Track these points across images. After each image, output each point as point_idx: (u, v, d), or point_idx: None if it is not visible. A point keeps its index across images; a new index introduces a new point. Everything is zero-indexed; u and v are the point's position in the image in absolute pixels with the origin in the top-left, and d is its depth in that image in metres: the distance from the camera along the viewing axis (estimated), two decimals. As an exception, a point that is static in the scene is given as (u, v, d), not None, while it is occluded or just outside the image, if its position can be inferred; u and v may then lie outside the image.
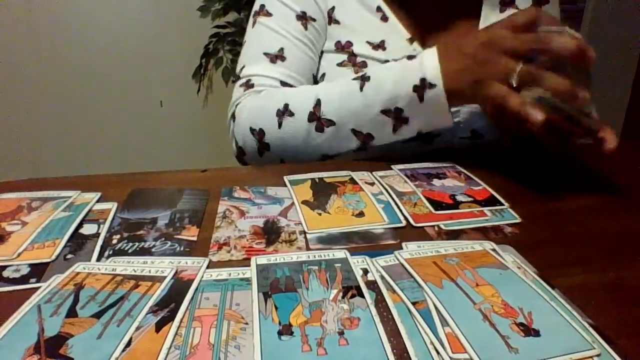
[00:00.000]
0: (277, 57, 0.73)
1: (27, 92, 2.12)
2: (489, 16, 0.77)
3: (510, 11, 0.77)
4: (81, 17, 2.06)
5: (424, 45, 0.75)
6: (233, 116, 0.73)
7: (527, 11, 0.56)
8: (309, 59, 0.74)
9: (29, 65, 2.08)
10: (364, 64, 0.72)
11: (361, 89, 0.62)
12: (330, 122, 0.64)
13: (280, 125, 0.67)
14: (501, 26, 0.55)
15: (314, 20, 0.74)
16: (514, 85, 0.52)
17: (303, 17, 0.74)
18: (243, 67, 0.76)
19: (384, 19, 0.74)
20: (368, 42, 0.73)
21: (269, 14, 0.75)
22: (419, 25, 0.76)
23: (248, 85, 0.74)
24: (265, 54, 0.73)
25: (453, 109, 0.72)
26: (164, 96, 2.23)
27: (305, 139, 0.66)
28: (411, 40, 0.73)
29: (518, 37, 0.53)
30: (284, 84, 0.73)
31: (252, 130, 0.70)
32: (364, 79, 0.63)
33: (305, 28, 0.74)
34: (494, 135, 0.76)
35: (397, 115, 0.61)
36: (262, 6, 0.76)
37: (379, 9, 0.74)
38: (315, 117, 0.65)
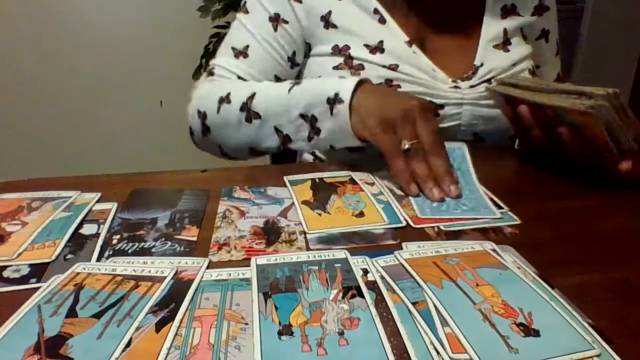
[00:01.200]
0: (240, 53, 0.76)
1: (27, 92, 2.12)
2: (491, 22, 0.77)
3: (511, 18, 0.77)
4: (81, 17, 2.06)
5: (423, 47, 0.74)
6: (190, 98, 0.78)
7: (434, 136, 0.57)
8: (272, 60, 0.77)
9: (28, 65, 2.08)
10: (360, 67, 0.72)
11: (289, 90, 0.65)
12: (257, 115, 0.67)
13: (218, 110, 0.71)
14: (428, 118, 0.57)
15: (286, 22, 0.75)
16: (404, 148, 0.56)
17: (275, 19, 0.75)
18: (214, 57, 0.80)
19: (382, 21, 0.74)
20: (366, 45, 0.73)
21: (246, 12, 0.78)
22: (418, 28, 0.75)
23: (210, 72, 0.78)
24: (233, 48, 0.77)
25: (454, 111, 0.73)
26: (164, 96, 2.23)
27: (235, 127, 0.70)
28: (410, 43, 0.73)
29: (429, 131, 0.56)
30: (240, 79, 0.76)
31: (198, 112, 0.74)
32: (297, 83, 0.67)
33: (275, 30, 0.76)
34: (495, 139, 0.76)
35: (312, 123, 0.64)
36: (244, 3, 0.79)
37: (376, 11, 0.74)
38: (246, 107, 0.68)
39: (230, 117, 0.70)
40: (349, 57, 0.73)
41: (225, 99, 0.70)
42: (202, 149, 0.80)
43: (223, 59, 0.78)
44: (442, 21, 0.76)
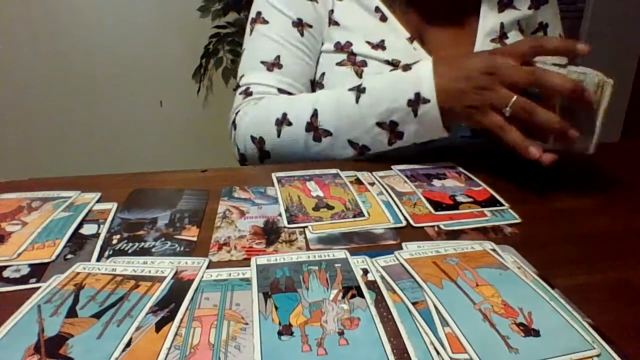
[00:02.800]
0: (273, 64, 0.74)
1: (27, 92, 2.12)
2: (488, 16, 0.77)
3: (508, 12, 0.78)
4: (81, 17, 2.05)
5: (424, 44, 0.75)
6: (234, 124, 0.74)
7: (531, 42, 0.56)
8: (305, 64, 0.75)
9: (28, 65, 2.08)
10: (363, 63, 0.72)
11: (357, 100, 0.63)
12: (327, 133, 0.65)
13: (279, 134, 0.68)
14: (503, 54, 0.55)
15: (310, 26, 0.75)
16: (507, 116, 0.54)
17: (299, 24, 0.74)
18: (242, 75, 0.77)
19: (383, 19, 0.74)
20: (367, 42, 0.73)
21: (265, 22, 0.76)
22: (418, 25, 0.76)
23: (247, 93, 0.75)
24: (263, 62, 0.74)
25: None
26: (164, 96, 2.23)
27: (303, 148, 0.67)
28: (411, 40, 0.73)
29: (518, 70, 0.54)
30: (281, 91, 0.74)
31: (252, 138, 0.71)
32: (360, 90, 0.64)
33: (302, 35, 0.74)
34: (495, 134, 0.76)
35: (392, 129, 0.62)
36: (259, 13, 0.77)
37: (377, 9, 0.74)
38: (313, 127, 0.65)
39: (296, 140, 0.67)
40: (352, 54, 0.73)
41: (283, 121, 0.67)
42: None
43: (255, 75, 0.75)
44: (440, 16, 0.76)
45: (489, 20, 0.77)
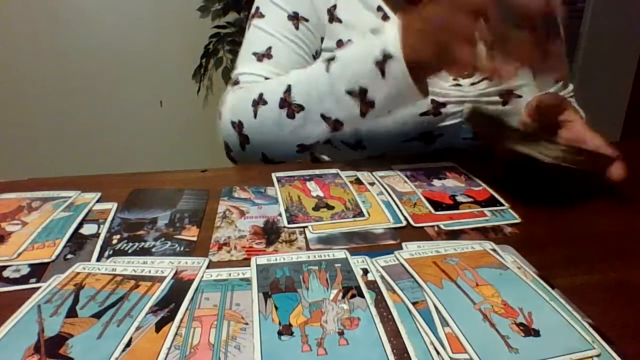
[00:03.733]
0: (264, 55, 0.73)
1: (27, 91, 2.12)
2: None
3: None
4: (81, 17, 2.06)
5: None
6: (219, 114, 0.74)
7: None
8: (298, 57, 0.74)
9: (28, 65, 2.08)
10: None
11: (327, 69, 0.60)
12: (300, 107, 0.63)
13: (255, 114, 0.66)
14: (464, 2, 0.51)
15: (307, 20, 0.74)
16: (478, 45, 0.50)
17: (295, 17, 0.74)
18: (236, 68, 0.78)
19: (385, 18, 0.74)
20: None
21: (262, 16, 0.76)
22: None
23: (234, 83, 0.75)
24: (254, 53, 0.74)
25: (456, 109, 0.72)
26: (164, 96, 2.23)
27: (278, 127, 0.65)
28: None
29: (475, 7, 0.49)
30: (268, 80, 0.73)
31: (232, 123, 0.70)
32: (330, 59, 0.61)
33: (297, 28, 0.74)
34: None
35: (362, 97, 0.59)
36: (257, 8, 0.77)
37: (379, 8, 0.74)
38: (286, 103, 0.63)
39: (270, 118, 0.65)
40: None
41: (259, 101, 0.66)
42: (240, 161, 0.75)
43: (246, 67, 0.75)
44: None
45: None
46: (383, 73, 0.56)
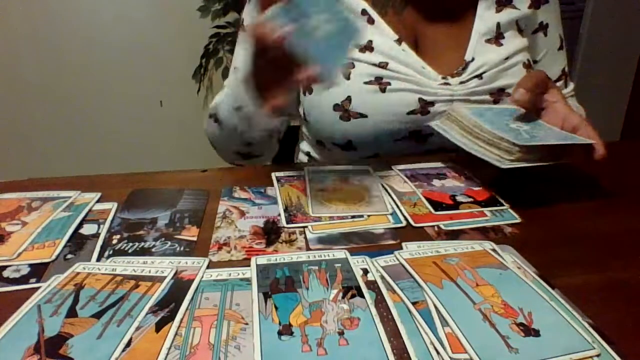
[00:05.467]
0: (235, 68, 0.78)
1: (27, 92, 2.12)
2: (484, 15, 0.76)
3: (507, 11, 0.77)
4: (81, 17, 2.05)
5: (416, 44, 0.74)
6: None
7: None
8: None
9: (28, 65, 2.08)
10: (350, 65, 0.72)
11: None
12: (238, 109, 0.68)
13: (228, 107, 0.72)
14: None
15: None
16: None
17: None
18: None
19: (370, 21, 0.74)
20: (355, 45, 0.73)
21: (244, 29, 0.79)
22: (413, 26, 0.75)
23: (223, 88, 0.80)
24: (235, 68, 0.79)
25: (445, 107, 0.72)
26: (163, 96, 2.23)
27: (233, 113, 0.70)
28: (399, 41, 0.73)
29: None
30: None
31: (210, 115, 0.76)
32: None
33: None
34: None
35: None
36: (242, 20, 0.80)
37: (364, 12, 0.74)
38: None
39: (230, 105, 0.71)
40: None
41: (213, 114, 0.74)
42: (224, 157, 0.81)
43: (229, 80, 0.80)
44: (437, 17, 0.76)
45: (485, 20, 0.76)
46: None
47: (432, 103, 0.72)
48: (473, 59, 0.74)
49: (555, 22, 0.84)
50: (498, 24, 0.76)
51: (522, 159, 0.54)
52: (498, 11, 0.76)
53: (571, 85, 0.85)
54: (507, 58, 0.74)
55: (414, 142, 0.74)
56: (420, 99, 0.71)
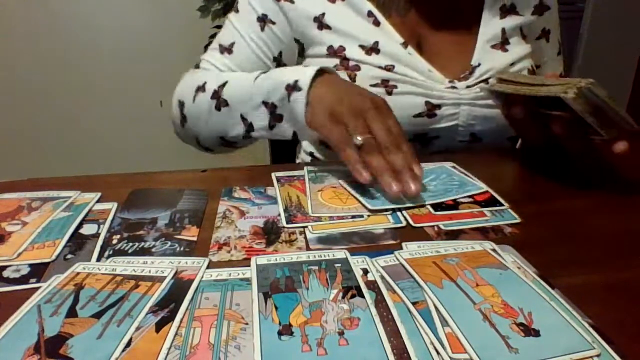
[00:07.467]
0: (225, 49, 0.79)
1: (27, 92, 2.12)
2: (489, 21, 0.76)
3: (511, 18, 0.77)
4: (81, 17, 2.06)
5: (421, 48, 0.74)
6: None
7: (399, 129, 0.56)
8: (255, 58, 0.78)
9: (28, 66, 2.08)
10: (356, 67, 0.72)
11: (255, 79, 0.67)
12: (226, 103, 0.69)
13: (194, 99, 0.73)
14: (382, 114, 0.55)
15: (274, 23, 0.77)
16: (356, 143, 0.53)
17: (262, 20, 0.77)
18: (204, 53, 0.83)
19: (376, 23, 0.74)
20: (361, 46, 0.73)
21: (237, 11, 0.80)
22: (416, 29, 0.75)
23: (196, 66, 0.82)
24: (220, 45, 0.80)
25: (451, 111, 0.73)
26: (163, 96, 2.22)
27: (208, 115, 0.72)
28: (405, 44, 0.73)
29: (382, 127, 0.54)
30: (219, 72, 0.78)
31: (179, 102, 0.78)
32: (264, 72, 0.67)
33: (262, 30, 0.77)
34: (493, 139, 0.76)
35: (272, 110, 0.64)
36: (237, 3, 0.80)
37: (370, 13, 0.74)
38: (217, 95, 0.70)
39: (203, 106, 0.71)
40: (345, 59, 0.73)
41: (201, 88, 0.72)
42: (183, 140, 0.83)
43: (209, 54, 0.81)
44: (441, 21, 0.76)
45: (490, 25, 0.76)
46: (289, 97, 0.61)
47: (438, 106, 0.72)
48: (479, 64, 0.74)
49: (555, 27, 0.85)
50: (503, 30, 0.76)
51: (580, 102, 0.53)
52: (502, 17, 0.77)
53: None
54: (512, 64, 0.75)
55: (419, 144, 0.74)
56: (427, 102, 0.71)
